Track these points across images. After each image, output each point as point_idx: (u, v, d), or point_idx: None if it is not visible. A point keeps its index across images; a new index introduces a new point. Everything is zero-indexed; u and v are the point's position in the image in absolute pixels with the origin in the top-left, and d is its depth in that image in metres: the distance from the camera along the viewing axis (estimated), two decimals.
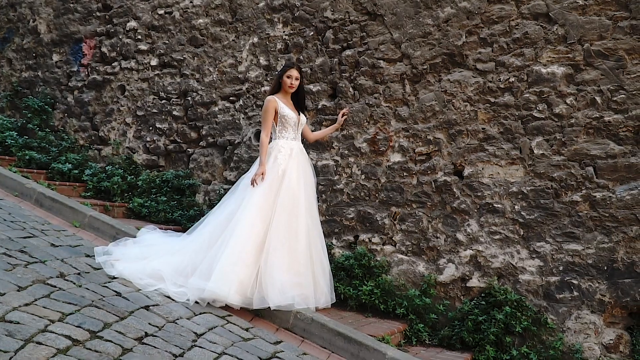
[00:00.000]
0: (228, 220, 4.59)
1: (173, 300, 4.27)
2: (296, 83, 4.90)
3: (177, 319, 3.93)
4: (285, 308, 4.27)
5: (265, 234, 4.50)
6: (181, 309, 4.14)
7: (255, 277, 4.37)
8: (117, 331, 3.38)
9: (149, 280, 4.36)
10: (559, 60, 4.59)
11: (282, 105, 4.82)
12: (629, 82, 4.30)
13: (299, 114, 4.96)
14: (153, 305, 4.04)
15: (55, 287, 3.80)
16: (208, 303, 4.27)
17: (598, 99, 4.40)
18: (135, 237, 5.21)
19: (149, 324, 3.67)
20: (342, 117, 5.27)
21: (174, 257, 4.62)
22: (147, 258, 4.67)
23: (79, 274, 4.22)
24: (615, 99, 4.34)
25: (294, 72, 4.88)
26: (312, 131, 5.31)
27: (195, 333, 3.77)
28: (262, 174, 4.65)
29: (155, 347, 3.32)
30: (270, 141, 4.87)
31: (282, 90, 4.93)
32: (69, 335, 3.12)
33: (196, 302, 4.23)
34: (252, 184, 4.63)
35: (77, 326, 3.27)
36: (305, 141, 5.06)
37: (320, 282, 4.61)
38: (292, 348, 4.00)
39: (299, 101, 5.04)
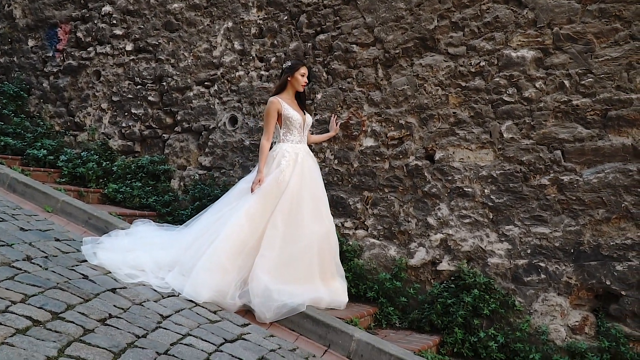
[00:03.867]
0: (216, 222, 4.50)
1: (142, 284, 4.27)
2: (307, 81, 4.79)
3: (144, 302, 3.92)
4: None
5: (257, 240, 4.36)
6: (149, 292, 4.12)
7: (238, 284, 4.26)
8: (80, 312, 3.36)
9: (130, 271, 4.24)
10: (529, 44, 4.60)
11: (286, 106, 4.66)
12: (596, 65, 4.32)
13: (304, 114, 4.82)
14: (120, 288, 4.02)
15: (20, 269, 3.78)
16: None
17: (566, 82, 4.43)
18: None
19: (114, 306, 3.66)
20: (336, 124, 5.25)
21: (161, 252, 4.53)
22: (134, 250, 4.55)
23: (46, 257, 4.19)
24: (583, 82, 4.36)
25: (306, 70, 4.76)
26: (311, 134, 5.16)
27: (161, 315, 3.76)
28: (260, 181, 4.49)
29: (117, 328, 3.31)
30: (273, 145, 4.72)
31: (286, 90, 4.77)
32: (30, 316, 3.10)
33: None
34: (252, 191, 4.49)
35: (39, 307, 3.25)
36: None
37: (338, 288, 4.56)
38: (259, 330, 4.00)
39: (301, 100, 4.89)
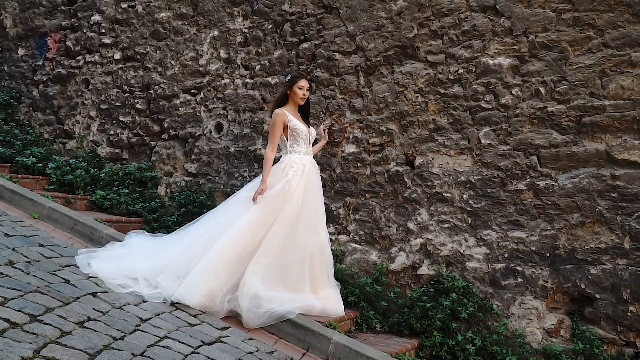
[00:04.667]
0: (215, 228, 4.49)
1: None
2: (307, 94, 4.76)
3: (124, 305, 3.97)
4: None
5: (255, 247, 4.36)
6: (130, 296, 4.17)
7: (229, 288, 4.26)
8: (58, 315, 3.41)
9: (123, 281, 4.22)
10: (506, 52, 4.69)
11: (291, 117, 4.65)
12: (571, 72, 4.41)
13: (309, 127, 4.82)
14: (101, 292, 4.07)
15: (1, 274, 3.81)
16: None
17: (542, 89, 4.51)
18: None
19: (94, 309, 3.70)
20: (324, 131, 5.24)
21: (154, 258, 4.50)
22: (128, 256, 4.56)
23: (28, 262, 4.24)
24: (558, 89, 4.45)
25: (305, 83, 4.73)
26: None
27: (140, 318, 3.80)
28: (263, 191, 4.47)
29: (95, 331, 3.35)
30: (277, 160, 4.72)
31: (289, 103, 4.75)
32: (7, 319, 3.14)
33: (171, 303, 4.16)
34: (254, 200, 4.47)
35: (17, 310, 3.29)
36: None
37: (331, 295, 4.57)
38: (239, 334, 4.04)
39: (304, 113, 4.89)
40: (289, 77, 4.81)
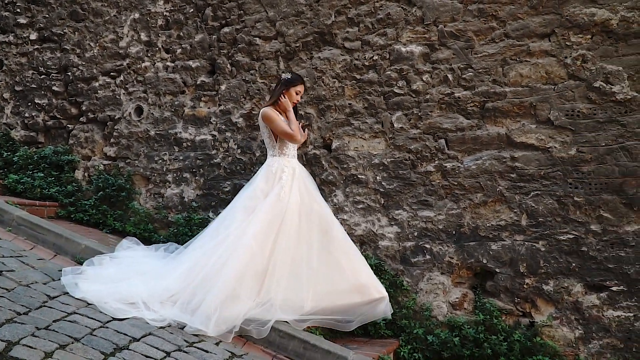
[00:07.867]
0: (220, 245, 4.20)
1: (33, 267, 4.24)
2: (299, 100, 4.73)
3: (32, 283, 3.91)
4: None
5: (266, 260, 4.12)
6: (38, 275, 4.11)
7: (248, 310, 3.97)
8: None
9: (119, 306, 3.84)
10: (417, 40, 4.90)
11: (282, 118, 4.55)
12: (476, 61, 4.66)
13: None
14: (7, 271, 3.99)
15: None
16: None
17: (450, 76, 4.75)
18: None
19: None
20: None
21: (158, 283, 4.14)
22: (124, 280, 4.17)
23: None
24: (464, 76, 4.69)
25: (302, 88, 4.70)
26: None
27: (48, 296, 3.76)
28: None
29: None
30: (269, 158, 4.61)
31: (278, 105, 4.61)
32: None
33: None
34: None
35: None
36: None
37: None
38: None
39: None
40: (289, 77, 4.68)
